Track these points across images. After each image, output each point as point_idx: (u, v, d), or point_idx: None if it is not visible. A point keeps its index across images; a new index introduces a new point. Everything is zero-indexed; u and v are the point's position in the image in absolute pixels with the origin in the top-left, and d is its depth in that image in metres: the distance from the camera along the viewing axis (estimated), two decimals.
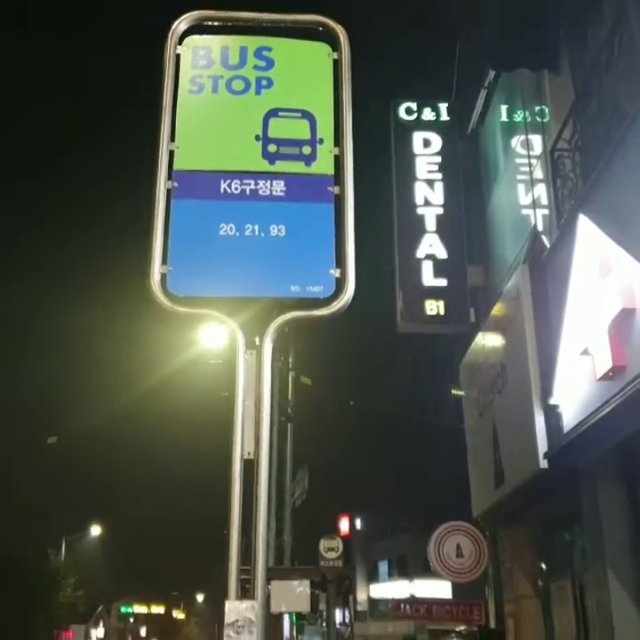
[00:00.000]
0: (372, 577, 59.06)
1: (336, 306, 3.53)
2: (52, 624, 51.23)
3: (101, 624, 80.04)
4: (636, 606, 6.16)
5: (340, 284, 3.60)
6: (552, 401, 6.86)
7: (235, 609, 3.00)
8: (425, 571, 56.62)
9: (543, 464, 6.86)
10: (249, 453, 3.26)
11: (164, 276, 3.62)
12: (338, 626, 19.77)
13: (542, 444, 6.92)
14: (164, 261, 3.65)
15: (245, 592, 3.11)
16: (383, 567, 60.25)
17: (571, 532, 8.31)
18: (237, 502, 3.17)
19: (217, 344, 16.33)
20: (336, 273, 3.65)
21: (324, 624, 11.84)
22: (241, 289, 3.68)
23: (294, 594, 10.71)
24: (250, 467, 3.23)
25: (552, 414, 6.90)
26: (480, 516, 9.73)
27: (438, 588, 50.25)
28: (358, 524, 56.89)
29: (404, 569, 57.08)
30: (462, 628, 13.94)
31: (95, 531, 54.81)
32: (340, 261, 3.64)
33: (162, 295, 3.55)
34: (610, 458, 6.46)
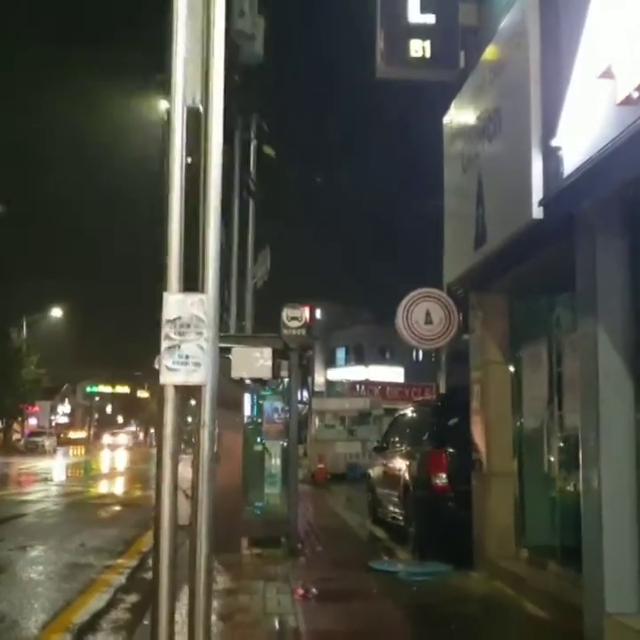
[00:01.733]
0: (330, 363, 61.44)
1: None
2: (17, 399, 52.80)
3: (67, 401, 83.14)
4: (624, 371, 5.69)
5: None
6: (554, 142, 5.98)
7: (176, 302, 2.14)
8: (380, 357, 59.09)
9: (537, 213, 6.08)
10: (194, 100, 2.31)
11: None
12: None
13: (537, 192, 6.11)
14: None
15: (191, 285, 2.26)
16: (340, 354, 62.56)
17: (551, 298, 7.81)
18: (179, 158, 2.24)
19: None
20: None
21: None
22: None
23: (255, 361, 10.33)
24: (196, 118, 2.29)
25: (552, 158, 6.04)
26: (452, 282, 9.17)
27: (392, 374, 52.66)
28: (318, 314, 58.18)
29: (360, 356, 59.36)
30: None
31: (56, 313, 55.17)
32: None
33: None
34: (613, 206, 5.71)
